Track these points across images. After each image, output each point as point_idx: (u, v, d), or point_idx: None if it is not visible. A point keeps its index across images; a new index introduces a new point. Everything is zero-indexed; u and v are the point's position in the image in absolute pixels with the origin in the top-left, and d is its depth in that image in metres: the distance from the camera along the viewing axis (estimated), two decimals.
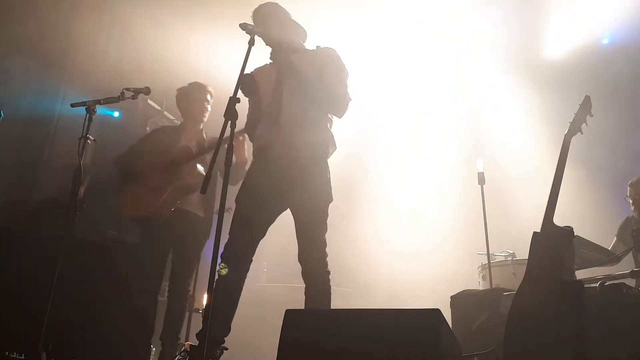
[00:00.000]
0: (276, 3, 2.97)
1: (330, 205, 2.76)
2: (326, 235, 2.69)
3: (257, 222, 2.70)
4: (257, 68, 3.00)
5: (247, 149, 3.32)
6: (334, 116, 2.90)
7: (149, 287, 3.35)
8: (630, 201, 4.33)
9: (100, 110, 3.05)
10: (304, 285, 2.62)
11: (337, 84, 2.82)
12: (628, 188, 4.41)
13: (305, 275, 2.61)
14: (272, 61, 2.94)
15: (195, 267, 3.54)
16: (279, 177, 2.68)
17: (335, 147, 2.88)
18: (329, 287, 2.60)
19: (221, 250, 2.47)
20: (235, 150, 3.29)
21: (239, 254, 2.63)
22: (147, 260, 3.40)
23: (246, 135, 3.26)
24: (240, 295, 2.66)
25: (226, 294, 2.57)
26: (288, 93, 2.78)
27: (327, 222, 2.71)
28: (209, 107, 3.69)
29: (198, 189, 3.35)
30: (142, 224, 3.47)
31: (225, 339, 2.60)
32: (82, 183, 4.35)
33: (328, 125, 2.86)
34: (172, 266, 3.48)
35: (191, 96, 3.66)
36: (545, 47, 6.31)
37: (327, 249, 2.69)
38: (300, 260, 2.64)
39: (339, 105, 2.82)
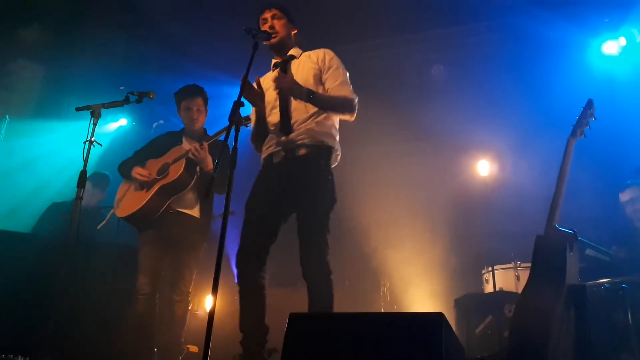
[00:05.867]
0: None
1: (334, 208, 2.74)
2: (328, 238, 2.67)
3: (266, 227, 2.71)
4: (264, 76, 2.96)
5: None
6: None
7: (147, 289, 3.35)
8: None
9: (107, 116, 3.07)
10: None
11: (339, 87, 2.78)
12: None
13: (305, 276, 2.59)
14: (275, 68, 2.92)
15: (193, 270, 3.50)
16: (284, 184, 2.69)
17: (339, 151, 2.86)
18: (330, 287, 2.55)
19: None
20: (202, 160, 3.34)
21: (252, 256, 2.64)
22: (144, 263, 3.40)
23: (206, 145, 3.34)
24: (264, 293, 2.65)
25: (249, 296, 2.60)
26: (294, 101, 2.76)
27: (329, 225, 2.69)
28: (199, 113, 3.65)
29: (186, 187, 3.40)
30: (138, 226, 3.51)
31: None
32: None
33: (333, 131, 2.82)
34: (172, 269, 3.50)
35: (181, 105, 3.68)
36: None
37: (332, 253, 2.67)
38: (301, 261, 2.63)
39: (347, 108, 2.78)
